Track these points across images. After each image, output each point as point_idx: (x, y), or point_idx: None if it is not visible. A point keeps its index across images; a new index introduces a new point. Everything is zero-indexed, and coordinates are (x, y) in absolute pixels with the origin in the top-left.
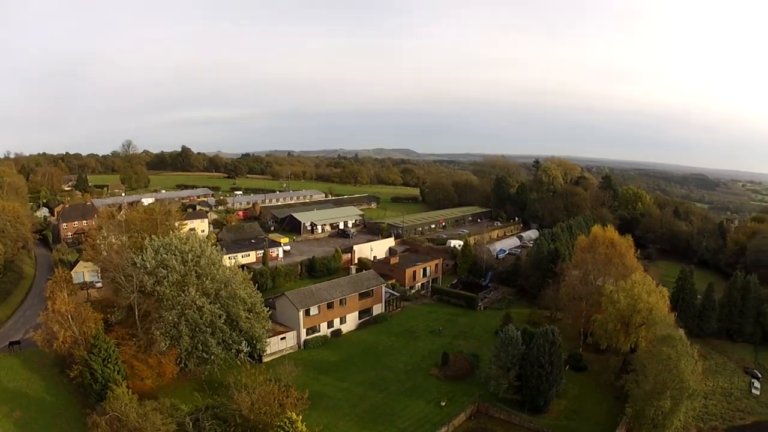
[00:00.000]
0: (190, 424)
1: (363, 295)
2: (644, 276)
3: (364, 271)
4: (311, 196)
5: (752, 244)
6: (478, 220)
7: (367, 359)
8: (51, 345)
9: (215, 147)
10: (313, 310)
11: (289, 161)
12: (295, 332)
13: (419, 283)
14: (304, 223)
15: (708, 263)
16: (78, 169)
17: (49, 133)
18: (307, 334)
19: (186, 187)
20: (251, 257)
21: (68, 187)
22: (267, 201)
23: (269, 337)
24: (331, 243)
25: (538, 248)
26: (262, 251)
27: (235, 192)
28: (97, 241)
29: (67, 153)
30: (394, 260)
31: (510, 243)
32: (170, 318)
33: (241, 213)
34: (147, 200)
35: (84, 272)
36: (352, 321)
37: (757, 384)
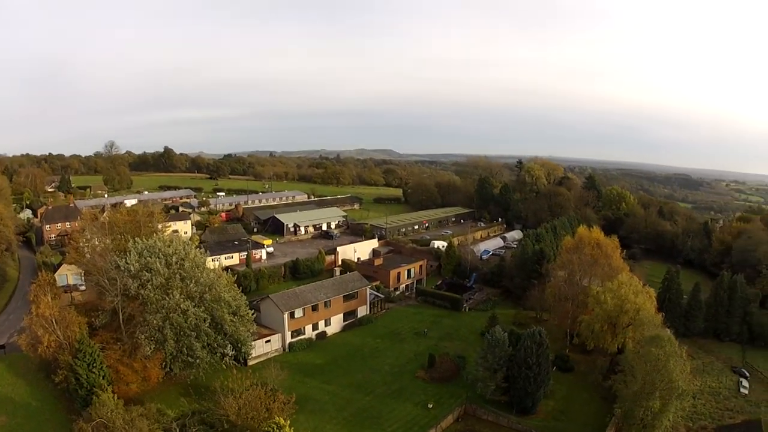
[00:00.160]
0: (177, 429)
1: (348, 297)
2: (631, 277)
3: (348, 273)
4: (294, 197)
5: (738, 244)
6: (462, 221)
7: (352, 362)
8: (36, 350)
9: (197, 147)
10: (298, 313)
11: (271, 162)
12: (279, 335)
13: (404, 285)
14: (287, 225)
15: (693, 263)
16: (61, 170)
17: (31, 134)
18: (292, 337)
19: (168, 188)
20: (234, 259)
21: (51, 188)
22: (250, 202)
23: (254, 340)
24: (315, 244)
25: (522, 249)
26: (246, 253)
27: (218, 193)
28: (81, 244)
29: (50, 154)
30: (378, 262)
31: (494, 244)
32: (155, 322)
33: (223, 214)
34: (130, 201)
35: (67, 275)
36: (336, 323)
37: (745, 383)
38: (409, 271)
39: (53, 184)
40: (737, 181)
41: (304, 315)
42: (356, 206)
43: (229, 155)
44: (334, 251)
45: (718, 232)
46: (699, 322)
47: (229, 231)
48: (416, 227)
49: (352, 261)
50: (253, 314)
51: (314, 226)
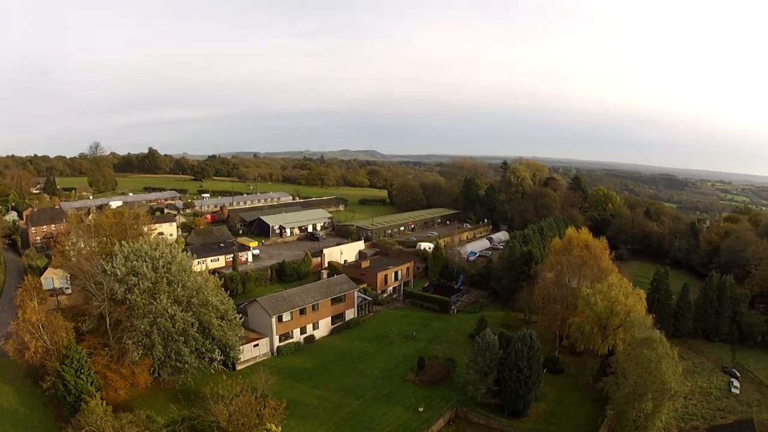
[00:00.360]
0: None
1: (335, 300)
2: (621, 278)
3: (335, 276)
4: (279, 198)
5: (726, 244)
6: (447, 222)
7: (342, 365)
8: (23, 355)
9: (181, 149)
10: (286, 317)
11: (255, 163)
12: (268, 339)
13: (391, 287)
14: (272, 227)
15: (681, 263)
16: (46, 171)
17: (16, 135)
18: (280, 341)
19: (153, 189)
20: (220, 262)
21: (37, 190)
22: (235, 204)
23: (242, 344)
24: (300, 246)
25: (510, 250)
26: (232, 255)
27: (203, 195)
28: (66, 247)
29: (35, 155)
30: (365, 264)
31: (480, 245)
32: (142, 327)
33: (209, 216)
34: (115, 203)
35: (53, 278)
36: (325, 327)
37: (736, 383)
38: (396, 273)
39: (38, 186)
40: (723, 181)
41: (292, 319)
42: (341, 208)
43: (214, 156)
44: (320, 253)
45: (705, 233)
46: (688, 323)
47: (215, 233)
48: (402, 229)
49: (339, 263)
50: (240, 318)
51: (300, 228)
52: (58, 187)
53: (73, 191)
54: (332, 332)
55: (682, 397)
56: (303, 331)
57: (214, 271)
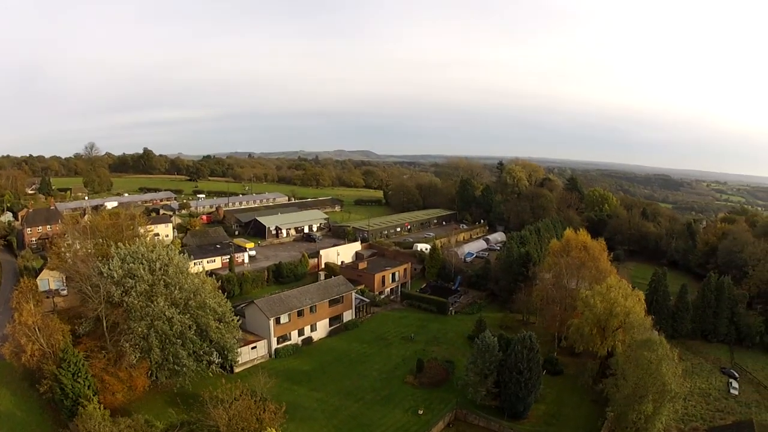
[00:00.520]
0: None
1: (333, 302)
2: (620, 280)
3: (333, 278)
4: (274, 199)
5: (723, 245)
6: (444, 223)
7: (340, 368)
8: (19, 358)
9: (176, 149)
10: (284, 318)
11: (250, 163)
12: (265, 341)
13: (388, 288)
14: (268, 228)
15: (678, 264)
16: (41, 171)
17: (10, 135)
18: (278, 343)
19: (149, 190)
20: (217, 263)
21: (32, 190)
22: (230, 204)
23: (240, 347)
24: (297, 247)
25: (508, 252)
26: (228, 257)
27: (198, 195)
28: (62, 249)
29: (30, 155)
30: (362, 265)
31: (477, 246)
32: (139, 330)
33: (204, 217)
34: (110, 204)
35: (49, 279)
36: (322, 328)
37: (735, 384)
38: (393, 274)
39: (34, 186)
40: (718, 182)
41: (289, 320)
42: (337, 208)
43: (209, 156)
44: (317, 254)
45: (702, 233)
46: (686, 324)
47: (211, 234)
48: (398, 229)
49: (336, 264)
50: (238, 320)
51: (296, 229)
52: (53, 187)
53: (69, 192)
54: (330, 334)
55: (682, 399)
56: (301, 333)
57: (211, 273)
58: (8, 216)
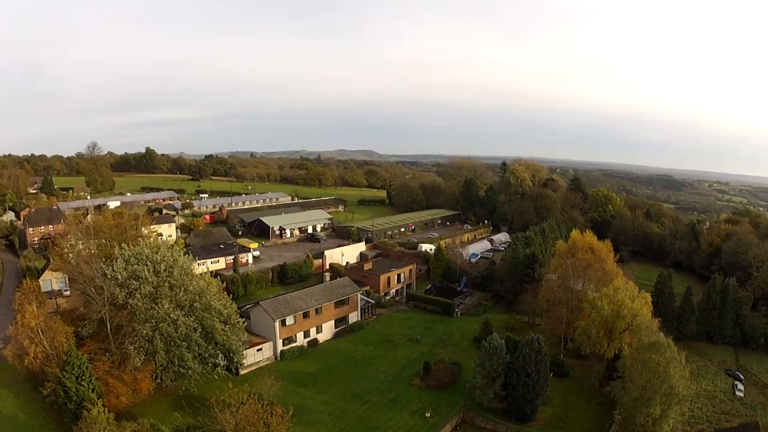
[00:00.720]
0: None
1: (339, 304)
2: (626, 281)
3: (338, 279)
4: (277, 199)
5: (727, 246)
6: (448, 223)
7: (346, 370)
8: (22, 361)
9: (177, 148)
10: (289, 320)
11: (252, 163)
12: (271, 343)
13: (394, 290)
14: (272, 228)
15: (682, 265)
16: (43, 171)
17: (11, 134)
18: (284, 345)
19: (151, 189)
20: (221, 263)
21: (34, 189)
22: (233, 204)
23: (245, 349)
24: (301, 248)
25: (513, 253)
26: (233, 257)
27: (201, 195)
28: (65, 250)
29: (32, 154)
30: (367, 266)
31: (481, 246)
32: (144, 332)
33: (207, 217)
34: (113, 203)
35: (52, 280)
36: (328, 330)
37: (740, 386)
38: (399, 275)
39: (35, 186)
40: (720, 182)
41: (295, 322)
42: (341, 208)
43: (211, 156)
44: (321, 255)
45: (706, 234)
46: (692, 326)
47: (214, 234)
48: (402, 230)
49: (340, 265)
50: (243, 322)
51: (300, 229)
52: (55, 186)
53: (71, 191)
54: (336, 336)
55: (689, 401)
56: (306, 334)
57: (215, 274)
58: (10, 215)
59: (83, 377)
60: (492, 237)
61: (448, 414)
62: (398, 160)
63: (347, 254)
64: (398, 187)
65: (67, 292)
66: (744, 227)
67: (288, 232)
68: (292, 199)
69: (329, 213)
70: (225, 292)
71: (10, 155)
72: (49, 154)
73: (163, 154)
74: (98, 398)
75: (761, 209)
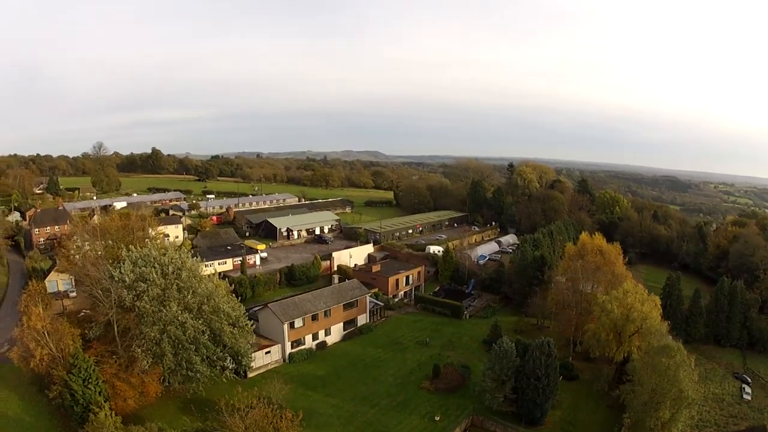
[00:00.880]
0: None
1: (348, 306)
2: (636, 284)
3: (347, 281)
4: (284, 200)
5: (734, 249)
6: (455, 225)
7: (355, 372)
8: (28, 363)
9: (181, 149)
10: (298, 323)
11: (259, 163)
12: (279, 345)
13: (402, 292)
14: (280, 229)
15: (689, 267)
16: (49, 171)
17: (16, 134)
18: (292, 347)
19: (157, 190)
20: (228, 265)
21: (40, 190)
22: (240, 205)
23: (254, 351)
24: (308, 249)
25: (522, 255)
26: (240, 258)
27: (207, 196)
28: (71, 252)
29: (37, 154)
30: (376, 268)
31: (489, 248)
32: (152, 334)
33: (214, 218)
34: (119, 204)
35: (58, 281)
36: (336, 332)
37: (748, 389)
38: (407, 277)
39: (41, 186)
40: (725, 183)
41: (304, 325)
42: (348, 209)
43: (217, 156)
44: (329, 257)
45: (713, 236)
46: (700, 328)
47: (222, 235)
48: (410, 231)
49: (348, 267)
50: (251, 324)
51: (307, 231)
52: (61, 187)
53: (77, 191)
54: (344, 338)
55: (698, 405)
56: (315, 337)
57: (223, 276)
58: (16, 216)
59: (90, 380)
60: (500, 239)
61: (457, 417)
62: (404, 161)
63: (355, 256)
64: (405, 188)
65: (74, 294)
66: (751, 229)
67: (295, 233)
68: (299, 200)
69: (336, 214)
70: (233, 295)
71: (15, 155)
72: (51, 155)
73: (169, 155)
74: (105, 401)
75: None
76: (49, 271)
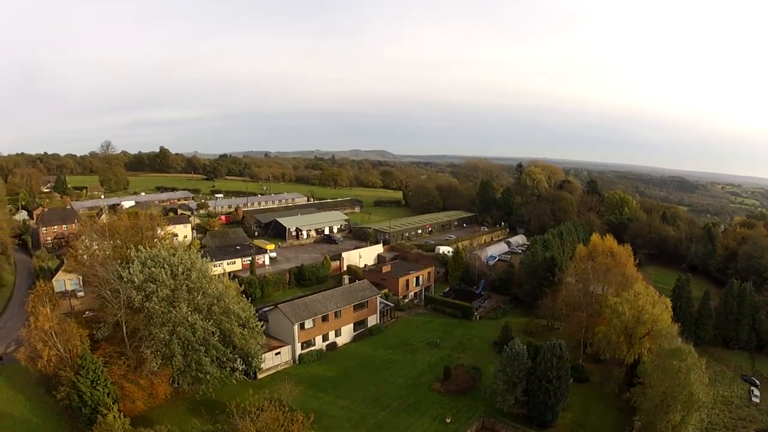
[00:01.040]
0: None
1: (358, 307)
2: (647, 286)
3: (357, 282)
4: (293, 199)
5: (743, 250)
6: (464, 225)
7: (365, 374)
8: (35, 364)
9: (191, 148)
10: (308, 324)
11: (267, 163)
12: (289, 347)
13: (412, 293)
14: (289, 229)
15: (697, 268)
16: (56, 170)
17: (23, 133)
18: (302, 348)
19: (165, 189)
20: (237, 265)
21: (47, 188)
22: (249, 204)
23: (264, 352)
24: (318, 249)
25: (532, 256)
26: (249, 258)
27: (216, 195)
28: (79, 252)
29: (45, 153)
30: (386, 269)
31: (499, 249)
32: (161, 336)
33: (223, 217)
34: (127, 203)
35: (65, 280)
36: (347, 333)
37: (756, 392)
38: (417, 278)
39: (49, 185)
40: (732, 184)
41: (314, 326)
42: (357, 209)
43: (225, 156)
44: (339, 257)
45: (721, 238)
46: (709, 330)
47: (230, 235)
48: (419, 231)
49: (358, 267)
50: (261, 325)
51: (316, 230)
52: (68, 185)
53: (85, 190)
54: (354, 339)
55: (707, 408)
56: (325, 338)
57: (233, 276)
58: (23, 215)
59: (98, 381)
60: (509, 239)
61: (468, 420)
62: (412, 161)
63: (365, 256)
64: (414, 188)
65: (81, 293)
66: (759, 231)
67: (305, 233)
68: (308, 200)
69: (345, 214)
70: (243, 296)
71: (22, 154)
72: (59, 153)
73: (177, 154)
74: (113, 403)
75: None
76: (56, 270)
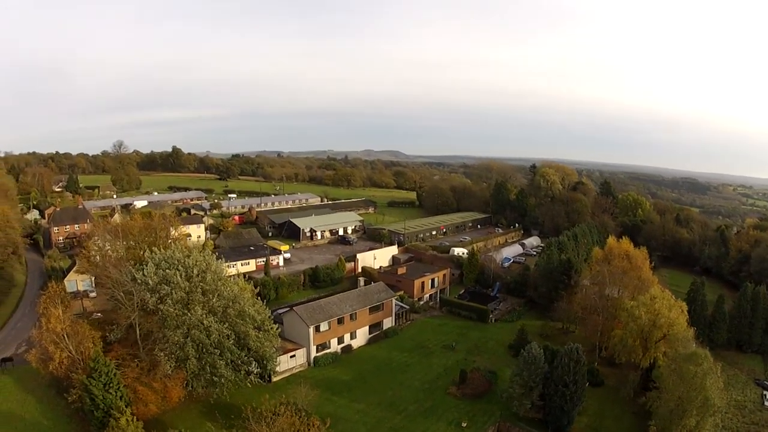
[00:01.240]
0: None
1: (373, 309)
2: (663, 290)
3: (373, 284)
4: (307, 200)
5: (756, 253)
6: (479, 227)
7: (381, 377)
8: (47, 366)
9: (204, 147)
10: (324, 326)
11: (280, 163)
12: (304, 349)
13: (427, 295)
14: (303, 230)
15: (710, 271)
16: (68, 169)
17: (33, 131)
18: (317, 351)
19: (178, 189)
20: (251, 265)
21: (59, 188)
22: (263, 205)
23: (279, 355)
24: (332, 250)
25: (548, 258)
26: (263, 259)
27: (229, 195)
28: (92, 253)
29: (57, 152)
30: (401, 271)
31: (513, 251)
32: (175, 338)
33: (237, 218)
34: (140, 203)
35: (77, 281)
36: (362, 336)
37: None
38: (432, 280)
39: (60, 184)
40: (744, 186)
41: (329, 328)
42: (371, 210)
43: (238, 155)
44: (353, 258)
45: (734, 240)
46: (723, 334)
47: (244, 236)
48: (434, 233)
49: (373, 268)
50: (276, 327)
51: (331, 231)
52: (80, 185)
53: (97, 190)
54: (370, 342)
55: (722, 412)
56: (340, 340)
57: (247, 277)
58: (35, 214)
59: (111, 384)
60: (523, 241)
61: (484, 424)
62: (425, 161)
63: (379, 257)
64: (429, 189)
65: (93, 294)
66: None
67: (319, 234)
68: (322, 200)
69: (359, 215)
70: (258, 298)
71: (34, 153)
72: (71, 152)
73: (189, 153)
74: (126, 406)
75: None
76: (68, 270)
